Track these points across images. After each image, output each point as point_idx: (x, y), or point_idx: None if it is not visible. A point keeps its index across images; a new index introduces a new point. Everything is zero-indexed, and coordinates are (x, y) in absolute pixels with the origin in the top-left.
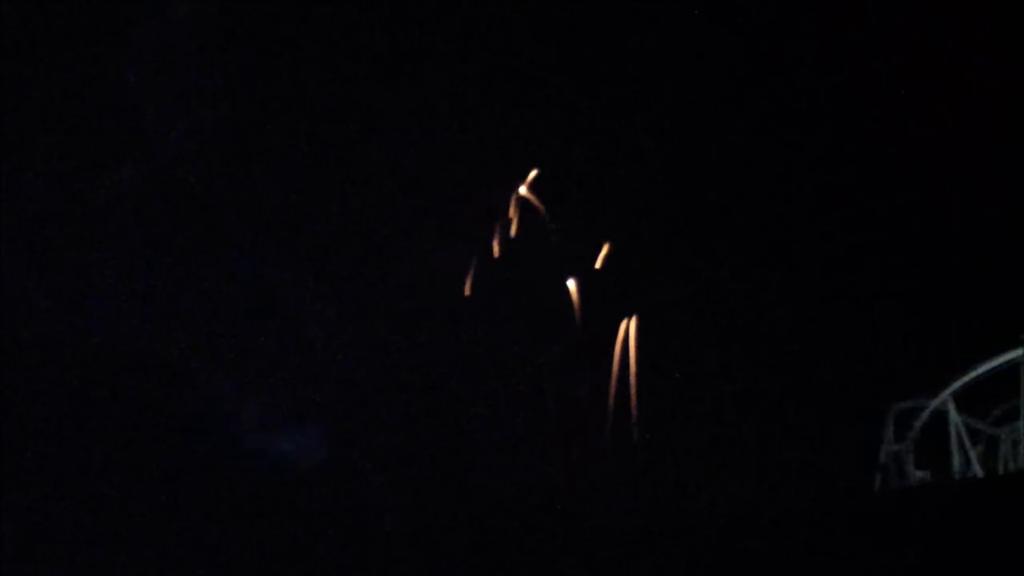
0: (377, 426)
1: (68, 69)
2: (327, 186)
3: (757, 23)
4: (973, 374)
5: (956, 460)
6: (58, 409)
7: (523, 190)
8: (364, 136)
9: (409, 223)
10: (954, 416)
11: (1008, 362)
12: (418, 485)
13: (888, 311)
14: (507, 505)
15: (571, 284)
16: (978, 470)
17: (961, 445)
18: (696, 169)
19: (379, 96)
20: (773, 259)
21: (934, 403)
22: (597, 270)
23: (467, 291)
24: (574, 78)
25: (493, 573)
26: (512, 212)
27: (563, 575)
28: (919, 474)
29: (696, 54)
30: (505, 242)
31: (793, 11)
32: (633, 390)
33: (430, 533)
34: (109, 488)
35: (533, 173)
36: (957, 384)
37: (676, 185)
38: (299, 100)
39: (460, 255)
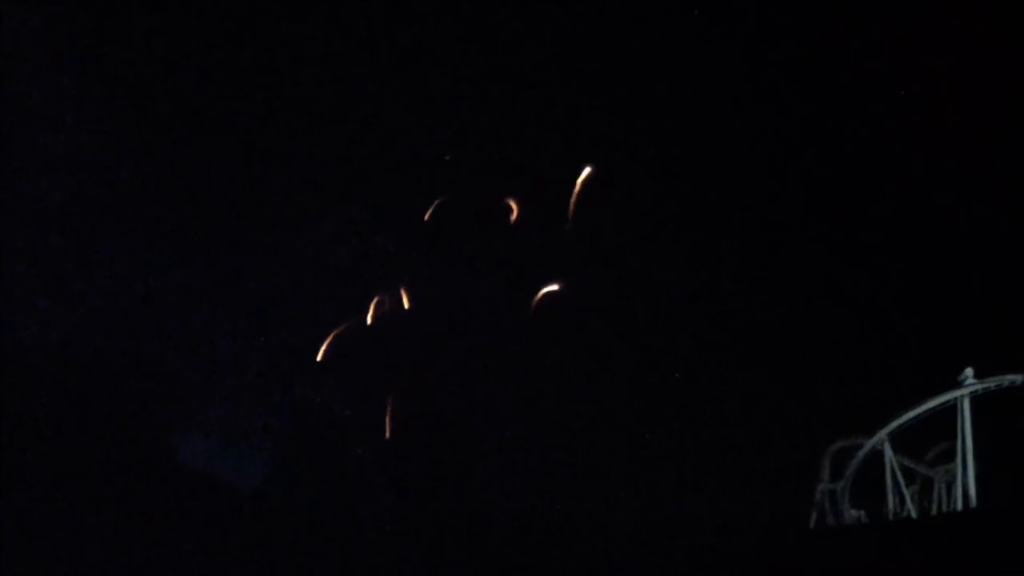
0: (377, 426)
1: (67, 69)
2: (327, 186)
3: (757, 23)
4: (910, 415)
5: (891, 500)
6: (58, 410)
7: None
8: (364, 136)
9: (408, 223)
10: (890, 456)
11: (944, 404)
12: (418, 485)
13: (825, 352)
14: (507, 506)
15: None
16: (912, 510)
17: (896, 485)
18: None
19: (379, 96)
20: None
21: (870, 443)
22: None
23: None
24: (573, 78)
25: (493, 574)
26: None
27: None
28: (854, 513)
29: (696, 54)
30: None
31: (793, 11)
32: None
33: (430, 533)
34: (109, 488)
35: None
36: (894, 424)
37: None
38: (299, 100)
39: (461, 255)
